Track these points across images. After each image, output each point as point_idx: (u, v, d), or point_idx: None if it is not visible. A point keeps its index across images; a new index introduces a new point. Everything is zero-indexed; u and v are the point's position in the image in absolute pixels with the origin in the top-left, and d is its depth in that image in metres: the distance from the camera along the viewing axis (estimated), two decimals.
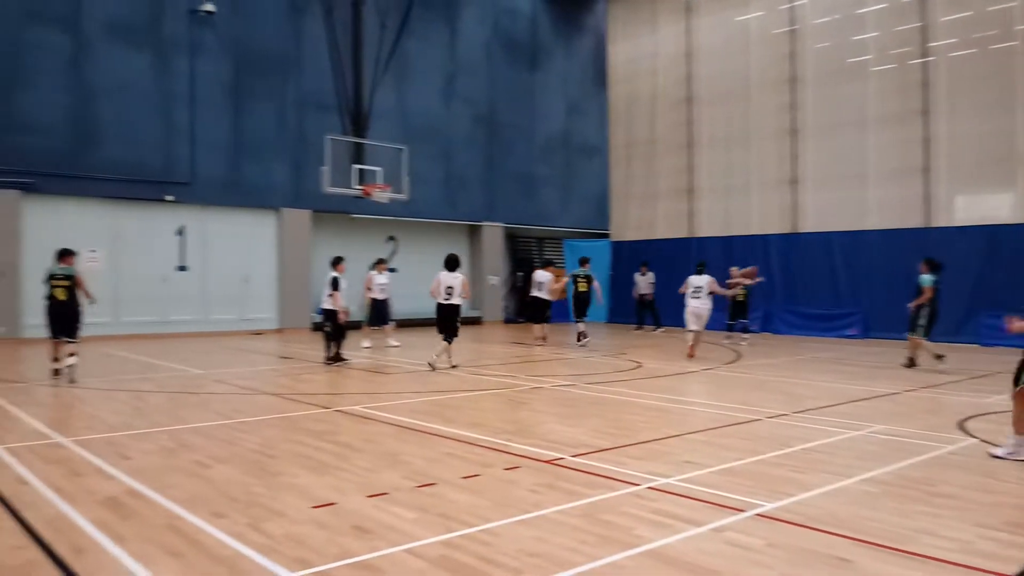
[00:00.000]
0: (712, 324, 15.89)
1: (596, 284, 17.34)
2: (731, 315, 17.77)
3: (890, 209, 18.91)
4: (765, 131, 21.39)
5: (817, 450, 6.71)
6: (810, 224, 20.49)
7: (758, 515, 4.81)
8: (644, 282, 21.90)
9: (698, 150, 23.06)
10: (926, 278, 12.39)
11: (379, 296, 16.65)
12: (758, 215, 21.61)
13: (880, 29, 19.09)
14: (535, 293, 17.48)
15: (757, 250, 21.41)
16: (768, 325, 20.91)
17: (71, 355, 11.18)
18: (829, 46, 20.10)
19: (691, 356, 14.17)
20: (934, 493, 5.35)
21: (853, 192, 19.56)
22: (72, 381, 10.97)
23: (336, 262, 13.91)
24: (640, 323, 22.23)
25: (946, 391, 10.45)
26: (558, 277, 17.88)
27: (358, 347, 15.86)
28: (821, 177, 20.26)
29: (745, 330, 17.68)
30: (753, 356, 15.06)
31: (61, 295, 11.24)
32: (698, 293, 14.47)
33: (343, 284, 13.61)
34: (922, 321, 12.33)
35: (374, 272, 16.73)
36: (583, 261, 17.66)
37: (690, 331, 14.46)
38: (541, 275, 17.52)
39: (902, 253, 18.61)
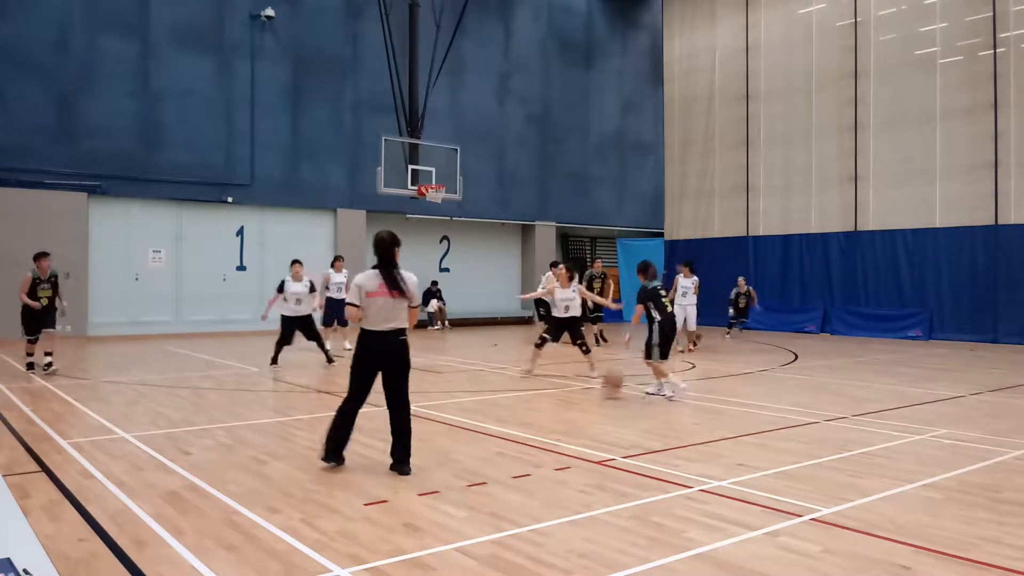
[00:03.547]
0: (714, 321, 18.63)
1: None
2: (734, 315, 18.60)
3: (958, 206, 18.31)
4: (826, 127, 20.92)
5: (877, 454, 6.54)
6: (872, 222, 19.97)
7: (814, 520, 4.71)
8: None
9: (756, 147, 22.67)
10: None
11: (336, 295, 15.45)
12: (818, 213, 21.16)
13: (949, 20, 18.48)
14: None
15: (817, 248, 21.02)
16: (827, 326, 20.48)
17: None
18: (895, 38, 19.54)
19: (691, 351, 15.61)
20: (999, 500, 5.17)
21: (919, 189, 18.99)
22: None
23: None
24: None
25: (1012, 395, 10.09)
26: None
27: (342, 348, 15.30)
28: (885, 174, 19.73)
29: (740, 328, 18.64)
30: (811, 357, 14.76)
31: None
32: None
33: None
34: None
35: (331, 271, 15.73)
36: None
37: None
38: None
39: (971, 251, 18.05)
